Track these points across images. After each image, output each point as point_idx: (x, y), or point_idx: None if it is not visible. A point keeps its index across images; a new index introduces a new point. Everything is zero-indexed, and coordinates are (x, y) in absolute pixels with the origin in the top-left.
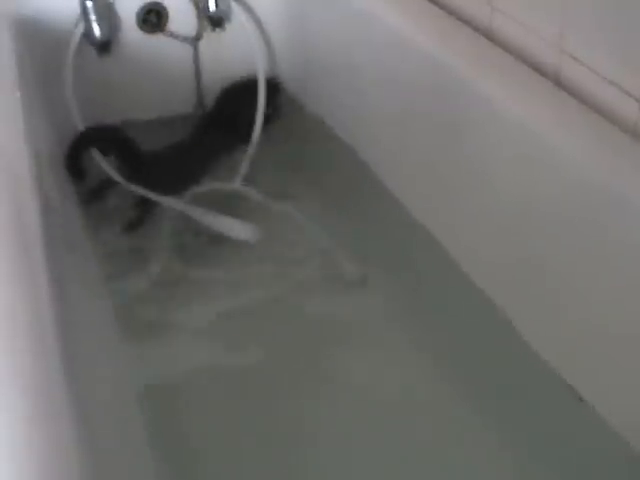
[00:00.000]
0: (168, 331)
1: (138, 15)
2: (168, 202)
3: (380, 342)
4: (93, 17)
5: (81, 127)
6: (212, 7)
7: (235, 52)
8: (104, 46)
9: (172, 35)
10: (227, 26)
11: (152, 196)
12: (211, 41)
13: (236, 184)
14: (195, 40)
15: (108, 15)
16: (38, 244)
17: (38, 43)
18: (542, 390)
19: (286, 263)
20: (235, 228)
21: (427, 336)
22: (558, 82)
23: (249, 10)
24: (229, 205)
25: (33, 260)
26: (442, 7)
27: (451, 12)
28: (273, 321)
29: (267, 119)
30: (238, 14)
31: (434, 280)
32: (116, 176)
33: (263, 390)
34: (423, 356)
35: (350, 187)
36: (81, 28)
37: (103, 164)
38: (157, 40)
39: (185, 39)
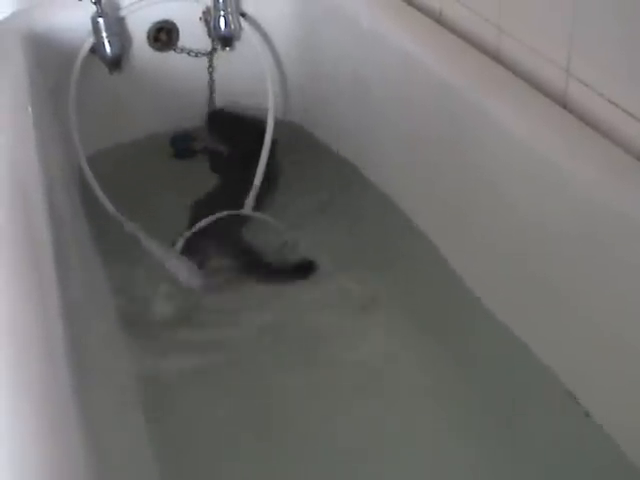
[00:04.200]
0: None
1: (149, 33)
2: (125, 225)
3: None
4: (104, 34)
5: (80, 145)
6: (222, 26)
7: (245, 71)
8: (115, 63)
9: (182, 52)
10: (237, 45)
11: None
12: (221, 60)
13: (247, 210)
14: (208, 58)
15: (119, 32)
16: (48, 258)
17: (50, 59)
18: (549, 403)
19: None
20: (185, 273)
21: (435, 352)
22: (565, 104)
23: (259, 29)
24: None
25: (43, 273)
26: (451, 29)
27: (460, 34)
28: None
29: None
30: (248, 33)
31: (439, 294)
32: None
33: None
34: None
35: (358, 208)
36: (92, 44)
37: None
38: (168, 57)
39: (196, 56)
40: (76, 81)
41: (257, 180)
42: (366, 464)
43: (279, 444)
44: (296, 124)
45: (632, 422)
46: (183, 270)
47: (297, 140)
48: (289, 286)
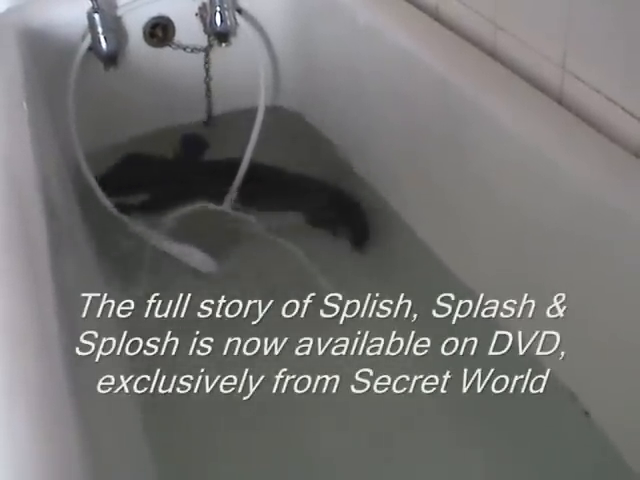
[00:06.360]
0: None
1: (144, 29)
2: (130, 224)
3: None
4: (100, 30)
5: (78, 144)
6: (218, 22)
7: (241, 67)
8: (111, 59)
9: (178, 48)
10: (233, 41)
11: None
12: (217, 56)
13: (226, 206)
14: (204, 54)
15: (115, 28)
16: (44, 254)
17: (45, 54)
18: (549, 403)
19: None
20: (194, 257)
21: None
22: (561, 101)
23: (255, 25)
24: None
25: (38, 270)
26: (447, 25)
27: (456, 30)
28: None
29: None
30: (244, 29)
31: (435, 295)
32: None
33: None
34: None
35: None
36: (88, 41)
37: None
38: (163, 53)
39: (192, 52)
40: (75, 78)
41: (238, 180)
42: None
43: None
44: (292, 119)
45: (631, 422)
46: (200, 259)
47: (291, 134)
48: None
